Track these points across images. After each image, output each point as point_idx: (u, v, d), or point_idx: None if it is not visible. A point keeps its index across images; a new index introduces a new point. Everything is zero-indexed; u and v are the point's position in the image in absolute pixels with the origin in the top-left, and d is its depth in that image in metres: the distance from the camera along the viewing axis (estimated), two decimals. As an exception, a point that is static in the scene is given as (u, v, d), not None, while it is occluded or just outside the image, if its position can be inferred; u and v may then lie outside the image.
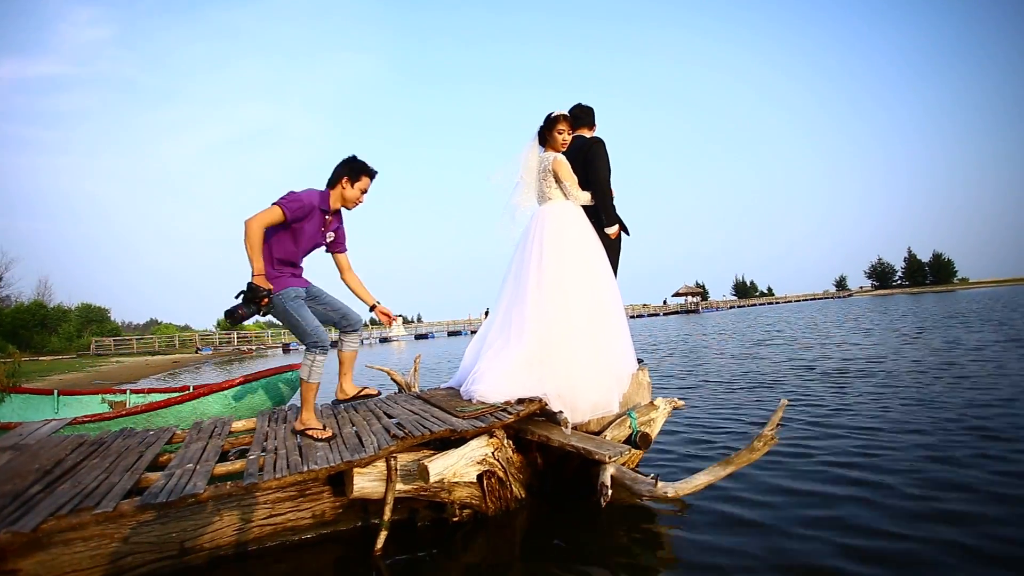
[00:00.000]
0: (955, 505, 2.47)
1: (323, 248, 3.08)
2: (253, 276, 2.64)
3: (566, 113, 3.29)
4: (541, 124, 3.29)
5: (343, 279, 3.21)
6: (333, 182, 2.92)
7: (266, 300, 2.65)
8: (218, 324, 45.25)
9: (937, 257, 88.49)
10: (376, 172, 2.97)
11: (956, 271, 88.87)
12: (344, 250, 3.15)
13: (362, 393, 3.43)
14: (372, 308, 3.24)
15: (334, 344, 3.07)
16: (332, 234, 3.05)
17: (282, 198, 2.73)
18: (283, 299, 2.78)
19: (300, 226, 2.80)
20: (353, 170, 2.91)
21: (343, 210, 3.07)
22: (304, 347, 2.87)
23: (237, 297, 2.65)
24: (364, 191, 2.97)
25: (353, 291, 3.24)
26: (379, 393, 3.53)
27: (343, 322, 3.14)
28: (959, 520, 2.31)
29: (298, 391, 5.05)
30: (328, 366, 3.01)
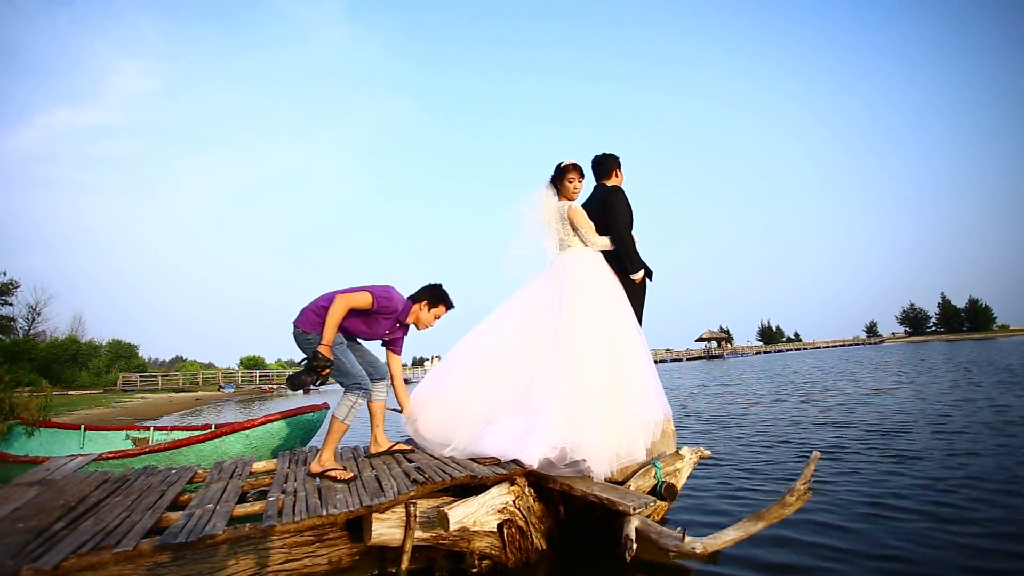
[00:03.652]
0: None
1: (380, 341, 3.32)
2: (320, 345, 2.81)
3: (575, 162, 3.31)
4: (552, 173, 3.33)
5: (393, 383, 3.40)
6: (415, 299, 3.19)
7: (327, 371, 2.81)
8: (240, 363, 45.88)
9: (974, 303, 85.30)
10: (454, 306, 3.28)
11: (995, 317, 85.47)
12: (399, 352, 3.37)
13: (395, 448, 3.34)
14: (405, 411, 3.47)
15: None
16: (393, 335, 3.29)
17: (378, 288, 3.00)
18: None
19: (377, 318, 3.06)
20: (435, 297, 3.21)
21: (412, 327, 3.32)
22: (345, 388, 2.95)
23: (300, 364, 2.82)
24: (438, 317, 3.26)
25: (396, 392, 3.45)
26: (412, 449, 3.31)
27: (370, 369, 3.24)
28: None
29: (317, 432, 5.06)
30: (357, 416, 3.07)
